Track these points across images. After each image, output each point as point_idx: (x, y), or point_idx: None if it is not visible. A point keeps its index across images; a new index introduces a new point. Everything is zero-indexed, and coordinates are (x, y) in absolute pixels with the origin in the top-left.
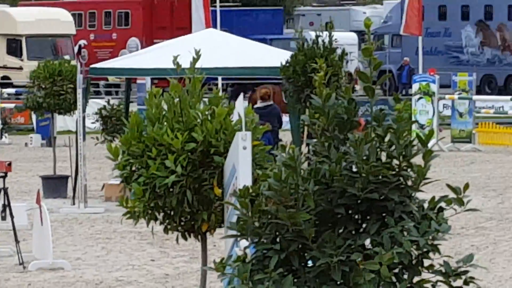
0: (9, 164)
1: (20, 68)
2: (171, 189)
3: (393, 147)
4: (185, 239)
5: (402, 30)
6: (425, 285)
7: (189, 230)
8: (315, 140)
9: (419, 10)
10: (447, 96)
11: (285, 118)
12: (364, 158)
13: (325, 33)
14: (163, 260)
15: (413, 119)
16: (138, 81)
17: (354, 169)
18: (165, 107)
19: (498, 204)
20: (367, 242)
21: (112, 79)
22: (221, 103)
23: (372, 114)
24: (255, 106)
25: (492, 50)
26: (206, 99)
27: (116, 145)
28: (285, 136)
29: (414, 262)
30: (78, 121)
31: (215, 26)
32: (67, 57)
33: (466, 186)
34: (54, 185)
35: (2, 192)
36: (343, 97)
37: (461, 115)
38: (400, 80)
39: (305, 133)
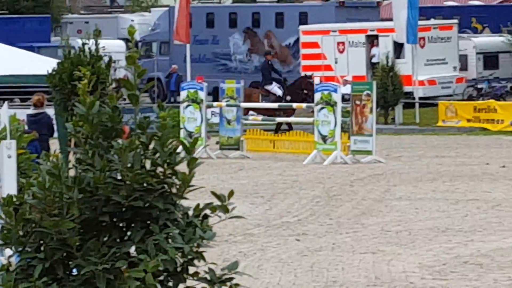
0: None
1: None
2: None
3: (158, 155)
4: None
5: (173, 37)
6: None
7: None
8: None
9: (187, 18)
10: (215, 104)
11: None
12: (129, 166)
13: (92, 41)
14: None
15: (181, 126)
16: None
17: (119, 177)
18: None
19: (266, 210)
20: (132, 249)
21: None
22: None
23: (137, 122)
24: (27, 113)
25: (260, 57)
26: None
27: None
28: (56, 144)
29: (179, 269)
30: None
31: None
32: None
33: (231, 193)
34: None
35: None
36: (108, 105)
37: (229, 122)
38: (168, 88)
39: (73, 141)
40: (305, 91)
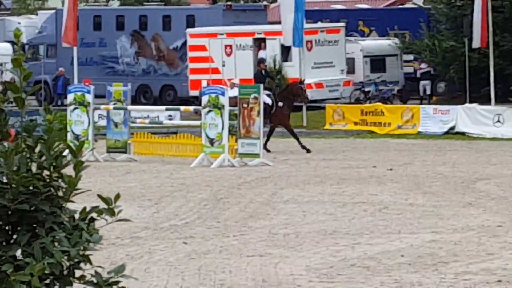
0: None
1: None
2: None
3: (44, 158)
4: None
5: (61, 40)
6: None
7: None
8: None
9: (75, 21)
10: (102, 106)
11: None
12: (15, 169)
13: None
14: None
15: (68, 129)
16: None
17: (5, 180)
18: None
19: (153, 213)
20: (18, 253)
21: None
22: None
23: (23, 125)
24: None
25: (148, 60)
26: None
27: None
28: None
29: (65, 272)
30: None
31: None
32: None
33: (117, 196)
34: None
35: None
36: None
37: (116, 125)
38: (55, 91)
39: None
40: (296, 97)
